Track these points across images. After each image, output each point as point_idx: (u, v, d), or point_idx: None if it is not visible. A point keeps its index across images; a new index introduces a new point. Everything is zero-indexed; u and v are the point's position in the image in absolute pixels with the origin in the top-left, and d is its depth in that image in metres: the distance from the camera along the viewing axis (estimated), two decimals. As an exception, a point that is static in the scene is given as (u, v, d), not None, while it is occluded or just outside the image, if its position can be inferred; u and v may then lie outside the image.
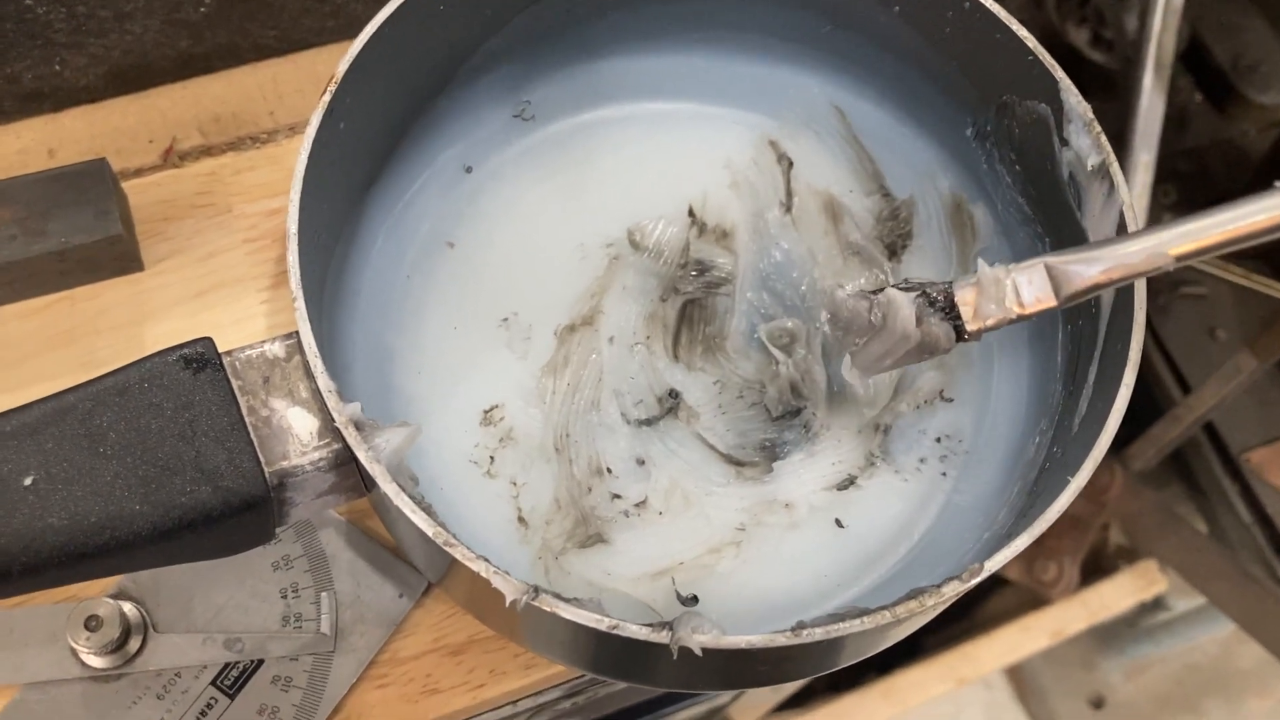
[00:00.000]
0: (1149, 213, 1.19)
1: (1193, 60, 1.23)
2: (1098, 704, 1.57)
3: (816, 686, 1.37)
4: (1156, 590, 1.36)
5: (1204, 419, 1.17)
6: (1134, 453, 1.23)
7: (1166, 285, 1.21)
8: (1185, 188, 1.28)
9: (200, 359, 0.39)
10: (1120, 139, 0.95)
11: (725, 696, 0.92)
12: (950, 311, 0.43)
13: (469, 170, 0.55)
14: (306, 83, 0.60)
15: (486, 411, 0.51)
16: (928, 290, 0.43)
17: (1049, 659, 1.54)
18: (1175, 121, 1.24)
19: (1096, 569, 1.39)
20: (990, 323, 0.42)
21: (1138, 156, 0.99)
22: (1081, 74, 1.13)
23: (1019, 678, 1.60)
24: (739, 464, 0.51)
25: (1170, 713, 1.58)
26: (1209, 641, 1.56)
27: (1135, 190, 0.97)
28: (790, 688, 1.28)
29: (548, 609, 0.37)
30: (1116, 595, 1.36)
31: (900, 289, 0.44)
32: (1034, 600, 1.36)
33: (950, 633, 1.41)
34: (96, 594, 0.49)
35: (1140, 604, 1.37)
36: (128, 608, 0.48)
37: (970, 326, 0.43)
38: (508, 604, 0.37)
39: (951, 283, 0.43)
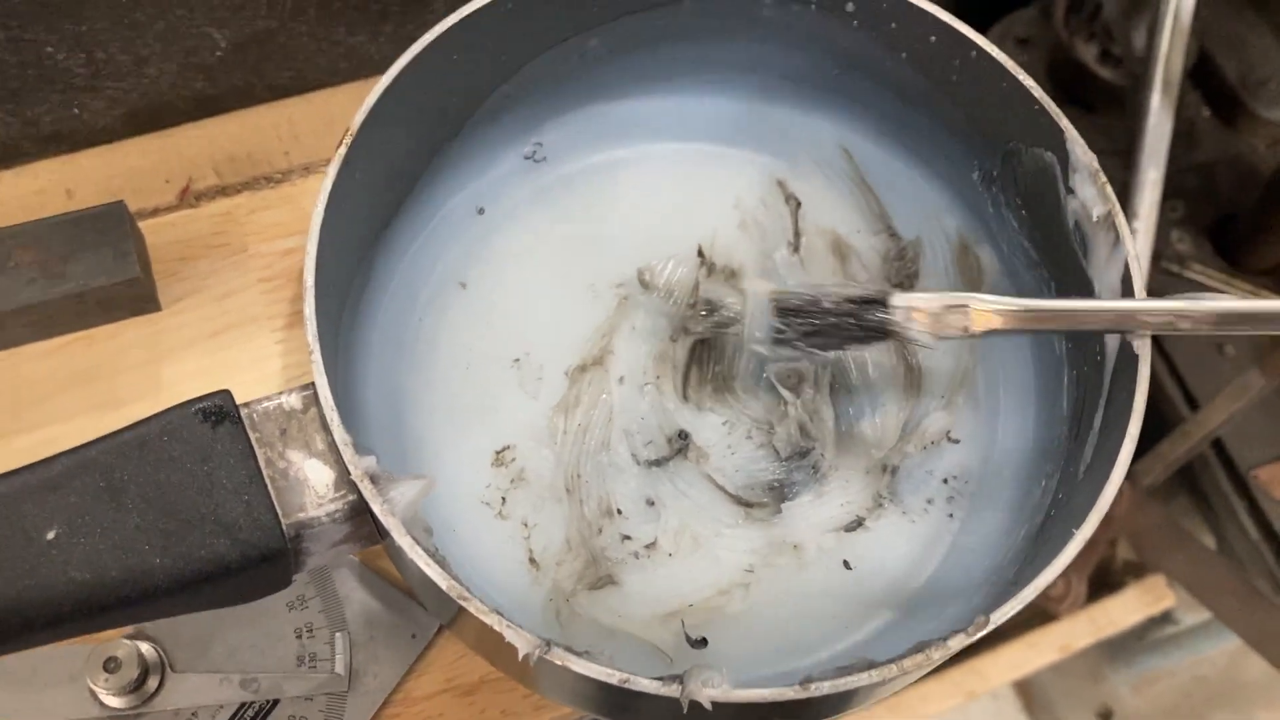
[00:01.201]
0: (1156, 229, 1.19)
1: (1201, 76, 1.23)
2: (1105, 716, 1.58)
3: (822, 701, 1.37)
4: (1164, 605, 1.36)
5: (1212, 435, 1.17)
6: (1142, 469, 1.23)
7: (1174, 302, 1.21)
8: (1193, 203, 1.28)
9: (219, 412, 0.40)
10: (1128, 155, 0.95)
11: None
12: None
13: (481, 211, 0.56)
14: (320, 123, 0.61)
15: (498, 452, 0.52)
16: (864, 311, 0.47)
17: (1057, 672, 1.53)
18: (1183, 137, 1.24)
19: (1104, 584, 1.39)
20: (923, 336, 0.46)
21: (1145, 173, 0.99)
22: (1089, 90, 1.14)
23: (1027, 690, 1.60)
24: (748, 505, 0.52)
25: (1178, 725, 1.58)
26: (1217, 654, 1.56)
27: (1143, 207, 0.97)
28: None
29: (559, 663, 0.38)
30: (1124, 611, 1.36)
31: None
32: (1042, 615, 1.36)
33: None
34: (115, 635, 0.49)
35: (1147, 619, 1.38)
36: (145, 648, 0.49)
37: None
38: (520, 658, 0.38)
39: (886, 299, 0.46)
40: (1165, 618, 1.43)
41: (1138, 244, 0.98)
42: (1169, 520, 1.31)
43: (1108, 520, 1.20)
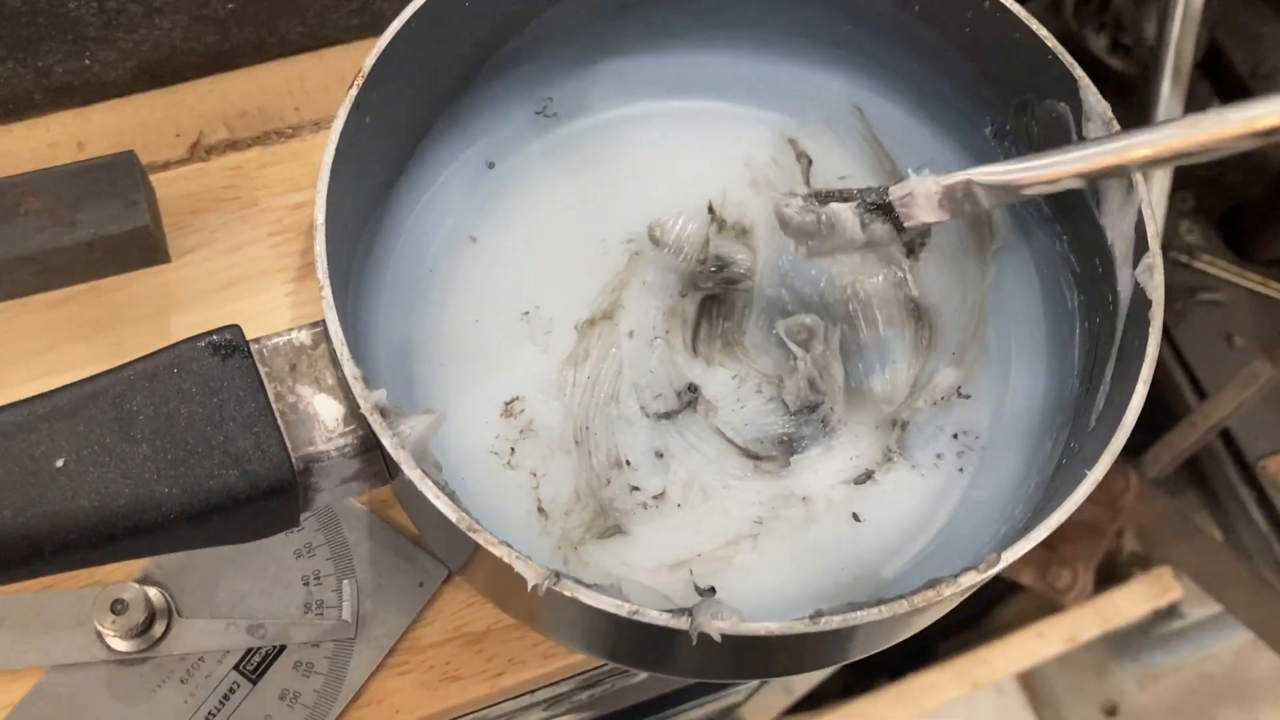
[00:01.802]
0: (1165, 219, 1.19)
1: (1211, 67, 1.23)
2: (1111, 712, 1.57)
3: (829, 690, 1.37)
4: (1171, 597, 1.36)
5: (1220, 426, 1.17)
6: (1149, 459, 1.23)
7: (1183, 292, 1.21)
8: (1203, 194, 1.28)
9: (228, 345, 0.40)
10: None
11: (738, 695, 0.92)
12: (889, 214, 0.47)
13: (491, 166, 0.56)
14: (332, 79, 0.61)
15: (507, 403, 0.51)
16: (865, 199, 0.47)
17: (1062, 666, 1.53)
18: (1193, 128, 1.24)
19: (1111, 576, 1.38)
20: (924, 222, 0.46)
21: (1155, 163, 0.98)
22: (1100, 80, 1.14)
23: (1032, 684, 1.60)
24: (757, 458, 0.51)
25: (1184, 720, 1.58)
26: (1223, 650, 1.56)
27: (1152, 196, 0.97)
28: (802, 688, 1.28)
29: (569, 594, 0.38)
30: (1131, 602, 1.36)
31: (839, 199, 0.47)
32: (1048, 606, 1.36)
33: (964, 637, 1.41)
34: (122, 579, 0.49)
35: (1154, 611, 1.37)
36: (153, 593, 0.49)
37: (907, 224, 0.46)
38: (529, 589, 0.37)
39: (886, 189, 0.47)
40: (1171, 612, 1.42)
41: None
42: (1176, 512, 1.31)
43: (1115, 510, 1.20)
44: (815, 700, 1.35)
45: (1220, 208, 1.29)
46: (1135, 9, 1.13)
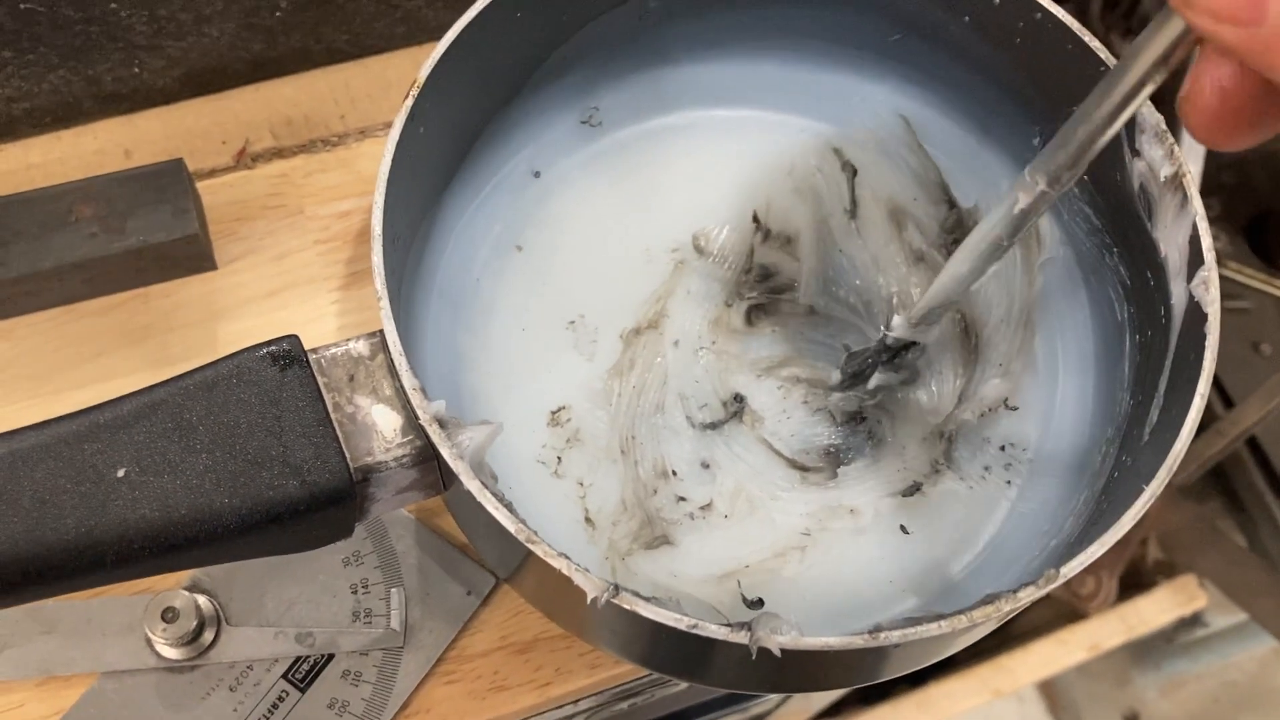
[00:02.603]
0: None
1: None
2: (1132, 720, 1.57)
3: (849, 697, 1.37)
4: (1196, 606, 1.36)
5: (1247, 434, 1.16)
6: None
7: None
8: (1229, 200, 1.27)
9: (287, 356, 0.40)
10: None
11: (768, 704, 0.92)
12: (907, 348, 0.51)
13: (537, 175, 0.56)
14: (376, 87, 0.61)
15: (554, 412, 0.52)
16: (880, 359, 0.51)
17: (1083, 674, 1.53)
18: (1219, 134, 1.23)
19: (1135, 583, 1.38)
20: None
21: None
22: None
23: (1052, 693, 1.59)
24: (804, 469, 0.51)
25: (1206, 730, 1.57)
26: (1246, 659, 1.55)
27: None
28: (825, 699, 1.28)
29: (628, 606, 0.38)
30: (1155, 610, 1.35)
31: (862, 373, 0.51)
32: (1071, 614, 1.35)
33: (985, 645, 1.41)
34: (172, 586, 0.50)
35: (1178, 620, 1.37)
36: (202, 600, 0.49)
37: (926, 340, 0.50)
38: (589, 601, 0.37)
39: (885, 339, 0.50)
40: (1195, 620, 1.42)
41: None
42: (1202, 519, 1.31)
43: (1140, 518, 1.19)
44: (836, 708, 1.35)
45: (1246, 214, 1.28)
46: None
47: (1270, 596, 1.25)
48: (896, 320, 0.49)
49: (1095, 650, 1.35)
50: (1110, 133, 0.40)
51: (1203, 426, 1.17)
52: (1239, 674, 1.60)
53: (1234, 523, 1.33)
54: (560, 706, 0.53)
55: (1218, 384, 1.23)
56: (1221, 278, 1.24)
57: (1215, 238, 1.21)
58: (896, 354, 0.50)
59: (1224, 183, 1.28)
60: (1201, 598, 1.36)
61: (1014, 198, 0.42)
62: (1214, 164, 1.22)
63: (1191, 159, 0.98)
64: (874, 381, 0.51)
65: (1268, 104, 0.34)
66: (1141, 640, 1.38)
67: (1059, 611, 1.38)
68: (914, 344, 0.50)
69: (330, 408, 0.40)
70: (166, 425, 0.39)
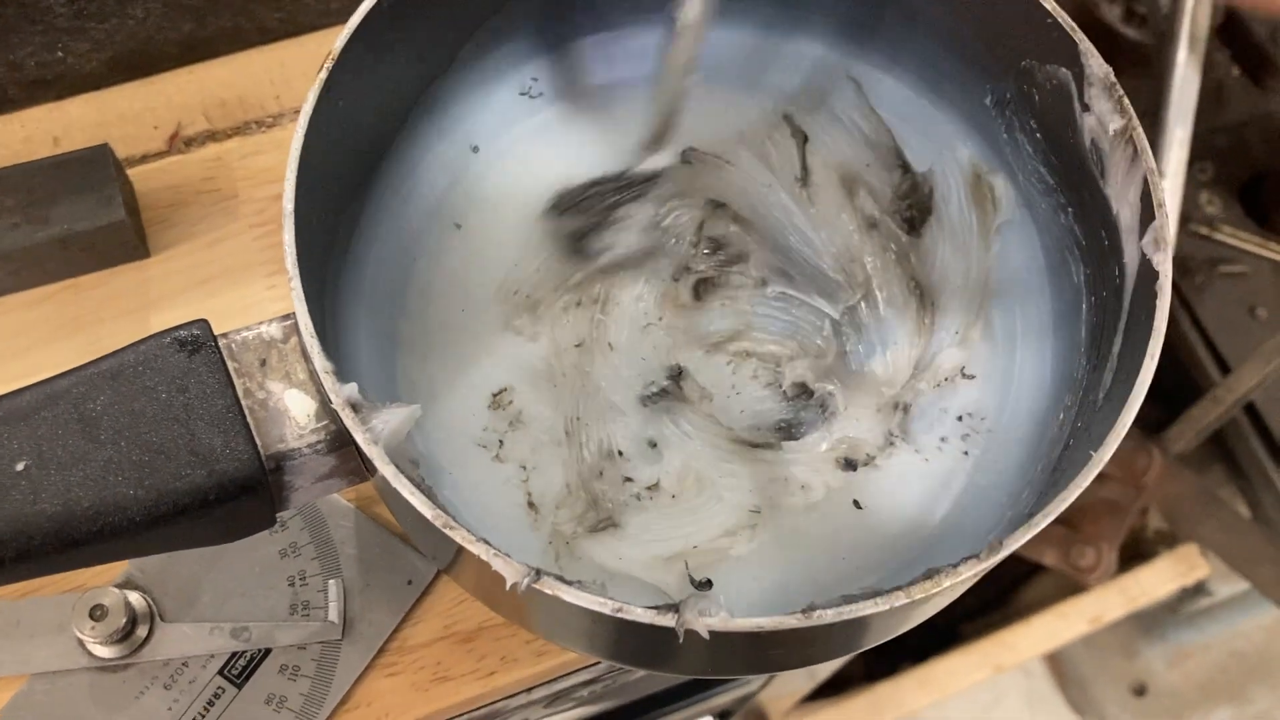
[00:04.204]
0: (1185, 191, 1.17)
1: (1230, 34, 1.20)
2: (1140, 691, 1.55)
3: (852, 674, 1.36)
4: (1198, 575, 1.34)
5: (1245, 400, 1.14)
6: (1173, 435, 1.21)
7: (1204, 264, 1.19)
8: (1222, 164, 1.25)
9: (195, 341, 0.39)
10: (1155, 115, 0.93)
11: (755, 683, 0.90)
12: None
13: (476, 150, 0.54)
14: (312, 65, 0.58)
15: (495, 395, 0.50)
16: None
17: (1089, 646, 1.52)
18: (1212, 97, 1.21)
19: (1136, 554, 1.36)
20: None
21: (1173, 132, 0.97)
22: (1115, 50, 1.11)
23: (1059, 665, 1.58)
24: (753, 445, 0.50)
25: (1214, 700, 1.56)
26: (1254, 627, 1.54)
27: (1171, 167, 0.94)
28: (823, 674, 1.27)
29: (549, 591, 0.36)
30: (1156, 581, 1.34)
31: None
32: (1073, 587, 1.34)
33: (988, 620, 1.40)
34: (103, 583, 0.48)
35: (1182, 589, 1.35)
36: (134, 597, 0.48)
37: None
38: (508, 587, 0.36)
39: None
40: (1199, 590, 1.40)
41: (1165, 204, 0.96)
42: (1202, 488, 1.29)
43: (1139, 488, 1.17)
44: (838, 685, 1.34)
45: (1241, 178, 1.26)
46: (1150, -26, 1.10)
47: (1271, 565, 1.23)
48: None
49: (1097, 623, 1.34)
50: None
51: (1199, 393, 1.15)
52: (1246, 643, 1.59)
53: (1235, 490, 1.31)
54: (512, 696, 0.52)
55: (1213, 350, 1.21)
56: (1216, 242, 1.22)
57: (1209, 202, 1.20)
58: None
59: (1217, 146, 1.26)
60: (1203, 567, 1.35)
61: None
62: (1207, 127, 1.20)
63: (1181, 121, 0.96)
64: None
65: None
66: (1147, 611, 1.37)
67: (1061, 585, 1.37)
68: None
69: (240, 393, 0.39)
70: (68, 416, 0.37)
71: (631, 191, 0.51)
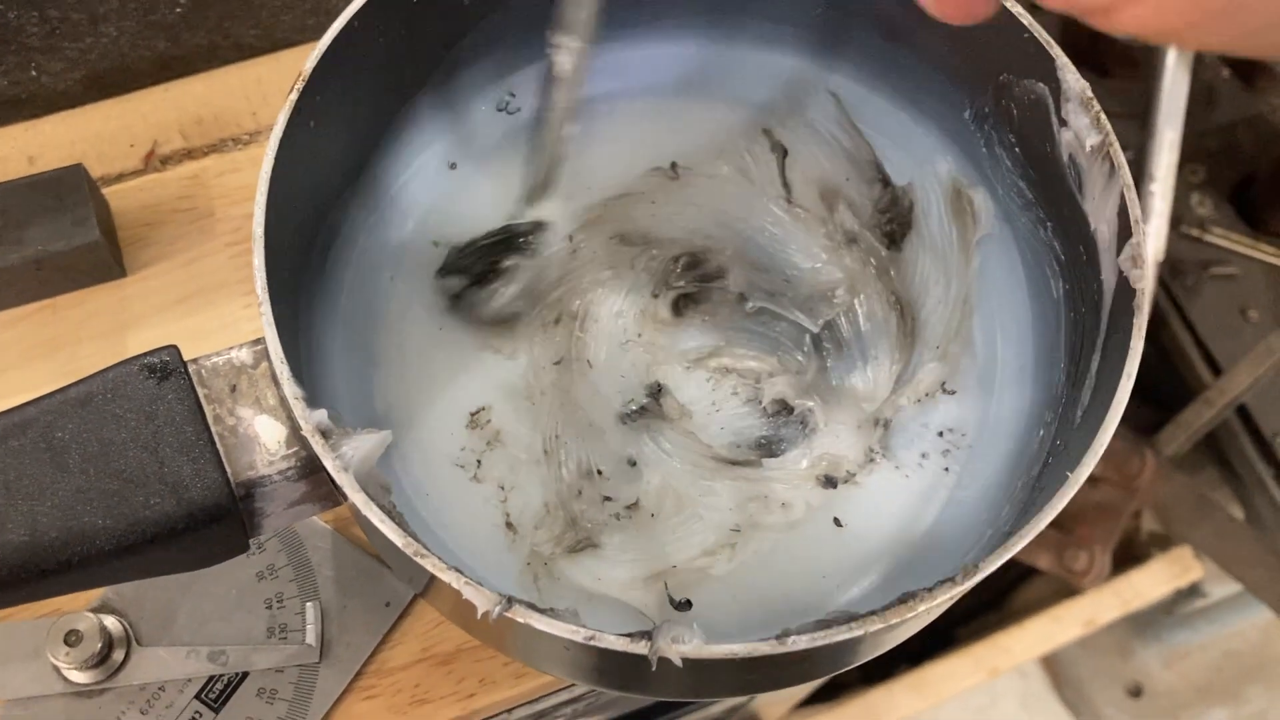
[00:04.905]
0: (1176, 193, 1.16)
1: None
2: (1135, 692, 1.55)
3: (846, 679, 1.35)
4: (1191, 577, 1.34)
5: (1236, 401, 1.14)
6: (1165, 438, 1.20)
7: (1195, 265, 1.19)
8: (1214, 165, 1.25)
9: (164, 368, 0.38)
10: (1145, 117, 0.93)
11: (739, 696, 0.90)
12: None
13: (453, 167, 0.54)
14: (289, 82, 0.58)
15: (473, 414, 0.50)
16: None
17: (1085, 648, 1.51)
18: (1202, 98, 1.21)
19: (1129, 557, 1.36)
20: None
21: (1163, 134, 0.96)
22: (1104, 53, 1.11)
23: (1055, 667, 1.58)
24: (734, 463, 0.49)
25: (1210, 700, 1.56)
26: (1249, 627, 1.54)
27: (1161, 169, 0.94)
28: (814, 683, 1.26)
29: (521, 620, 0.36)
30: (1150, 583, 1.34)
31: None
32: (1066, 590, 1.34)
33: (982, 623, 1.39)
34: (78, 608, 0.48)
35: (1176, 591, 1.35)
36: (110, 621, 0.47)
37: None
38: (479, 616, 0.36)
39: None
40: (1194, 591, 1.40)
41: (1156, 207, 0.95)
42: (1195, 490, 1.28)
43: (1132, 491, 1.17)
44: (832, 689, 1.34)
45: (1231, 179, 1.26)
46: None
47: (1263, 567, 1.23)
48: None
49: (1091, 625, 1.34)
50: None
51: (1191, 395, 1.15)
52: (1241, 643, 1.59)
53: (1228, 492, 1.31)
54: (492, 717, 0.51)
55: (1205, 351, 1.21)
56: (1207, 244, 1.21)
57: (1200, 204, 1.20)
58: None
59: (1209, 148, 1.26)
60: (1197, 569, 1.35)
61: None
62: (1197, 129, 1.20)
63: (1171, 123, 0.96)
64: None
65: None
66: (1142, 613, 1.37)
67: (1055, 588, 1.37)
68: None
69: (210, 420, 0.38)
70: (36, 445, 0.37)
71: (516, 244, 0.51)
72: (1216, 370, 1.18)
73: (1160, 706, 1.55)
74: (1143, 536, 1.39)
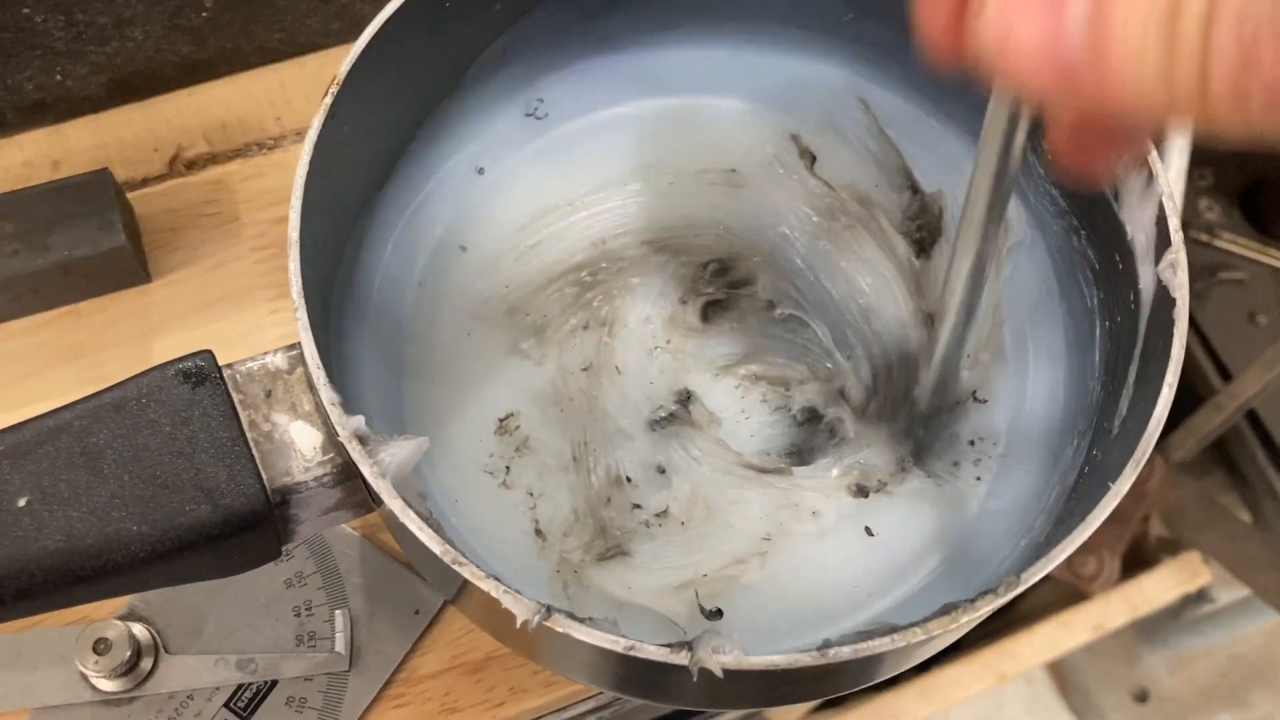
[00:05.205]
0: (1184, 197, 1.16)
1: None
2: (1141, 697, 1.55)
3: (851, 686, 1.35)
4: (1200, 583, 1.34)
5: (1246, 407, 1.14)
6: (1174, 443, 1.20)
7: (1204, 270, 1.19)
8: (1222, 170, 1.25)
9: (199, 373, 0.38)
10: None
11: (758, 701, 0.90)
12: None
13: (481, 172, 0.54)
14: (313, 86, 0.59)
15: (502, 420, 0.49)
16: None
17: (1091, 653, 1.51)
18: (1211, 103, 1.21)
19: (1138, 562, 1.36)
20: None
21: (1172, 139, 0.96)
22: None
23: (1061, 672, 1.57)
24: (763, 471, 0.49)
25: (1216, 705, 1.55)
26: (1255, 633, 1.54)
27: (1170, 174, 0.94)
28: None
29: (560, 629, 0.35)
30: (1158, 588, 1.33)
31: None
32: (1074, 595, 1.33)
33: (989, 629, 1.39)
34: (106, 616, 0.48)
35: (1182, 597, 1.35)
36: (138, 629, 0.47)
37: None
38: (518, 624, 0.35)
39: None
40: (1201, 596, 1.40)
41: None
42: (1203, 495, 1.28)
43: (1141, 495, 1.17)
44: (841, 697, 1.33)
45: (1239, 184, 1.26)
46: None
47: (1272, 572, 1.22)
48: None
49: (1100, 631, 1.34)
50: (1007, 185, 0.41)
51: (1200, 400, 1.15)
52: (1247, 648, 1.59)
53: (1237, 497, 1.31)
54: (520, 725, 0.51)
55: (1214, 357, 1.21)
56: (1216, 249, 1.21)
57: (1209, 208, 1.19)
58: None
59: (1216, 152, 1.26)
60: (1205, 574, 1.34)
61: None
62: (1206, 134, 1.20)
63: (1179, 129, 0.96)
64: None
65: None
66: (1149, 617, 1.37)
67: (1063, 593, 1.36)
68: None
69: (245, 426, 0.38)
70: (71, 450, 0.37)
71: None
72: (1226, 375, 1.18)
73: (1166, 712, 1.55)
74: (1151, 541, 1.39)
